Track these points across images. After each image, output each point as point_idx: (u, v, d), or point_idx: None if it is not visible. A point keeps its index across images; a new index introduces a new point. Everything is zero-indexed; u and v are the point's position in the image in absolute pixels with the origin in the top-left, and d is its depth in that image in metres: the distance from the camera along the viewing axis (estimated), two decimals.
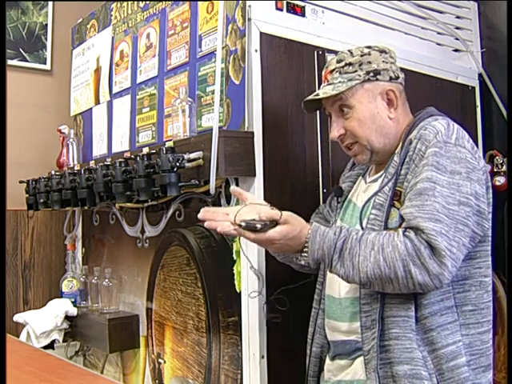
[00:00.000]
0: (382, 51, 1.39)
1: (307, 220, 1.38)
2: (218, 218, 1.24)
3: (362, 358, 1.32)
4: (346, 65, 1.37)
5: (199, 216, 1.26)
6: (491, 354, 1.32)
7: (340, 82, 1.35)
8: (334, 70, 1.38)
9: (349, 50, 1.39)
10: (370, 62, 1.36)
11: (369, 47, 1.39)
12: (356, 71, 1.36)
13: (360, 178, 1.51)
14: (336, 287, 1.40)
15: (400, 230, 1.20)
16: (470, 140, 1.30)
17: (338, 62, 1.38)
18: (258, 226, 1.18)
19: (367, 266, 1.18)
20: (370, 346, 1.27)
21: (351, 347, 1.35)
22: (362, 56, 1.37)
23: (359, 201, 1.44)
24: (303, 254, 1.25)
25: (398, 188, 1.28)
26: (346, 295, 1.37)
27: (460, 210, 1.19)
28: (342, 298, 1.38)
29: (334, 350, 1.42)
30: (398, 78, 1.40)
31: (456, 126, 1.30)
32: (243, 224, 1.19)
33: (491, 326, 1.33)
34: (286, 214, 1.22)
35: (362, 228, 1.32)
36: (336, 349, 1.41)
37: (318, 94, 1.39)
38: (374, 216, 1.29)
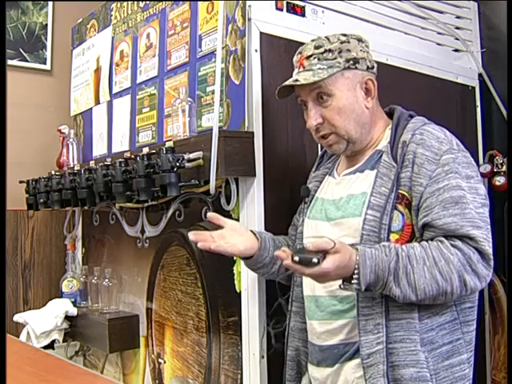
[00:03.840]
0: (359, 40, 1.37)
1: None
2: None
3: (350, 362, 1.30)
4: (325, 51, 1.33)
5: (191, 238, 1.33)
6: None
7: (320, 68, 1.32)
8: (311, 55, 1.34)
9: (326, 37, 1.35)
10: (349, 50, 1.34)
11: (345, 35, 1.36)
12: (336, 58, 1.32)
13: (327, 176, 1.50)
14: (317, 285, 1.36)
15: (445, 240, 1.20)
16: None
17: (317, 47, 1.34)
18: (315, 259, 1.11)
19: (424, 282, 1.17)
20: (372, 350, 1.24)
21: (339, 351, 1.32)
22: (341, 43, 1.34)
23: (329, 194, 1.42)
24: (353, 281, 1.17)
25: (401, 191, 1.26)
26: (331, 293, 1.33)
27: (485, 212, 1.24)
28: (325, 295, 1.34)
29: (319, 354, 1.37)
30: (373, 67, 1.39)
31: (446, 130, 1.34)
32: (296, 258, 1.12)
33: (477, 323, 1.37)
34: (338, 242, 1.16)
35: (330, 220, 1.35)
36: (323, 354, 1.36)
37: (297, 80, 1.33)
38: (372, 217, 1.26)
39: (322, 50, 1.33)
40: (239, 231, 1.43)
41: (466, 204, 1.21)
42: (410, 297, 1.19)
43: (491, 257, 1.20)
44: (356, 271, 1.17)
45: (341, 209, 1.35)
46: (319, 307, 1.37)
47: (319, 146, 1.78)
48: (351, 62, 1.33)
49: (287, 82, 1.37)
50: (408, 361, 1.22)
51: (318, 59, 1.33)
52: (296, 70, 1.38)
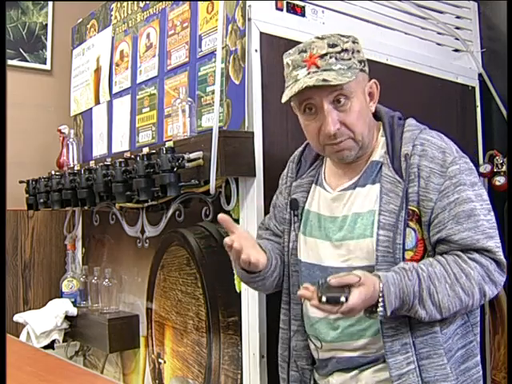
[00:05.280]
0: (357, 41, 1.30)
1: None
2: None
3: (370, 369, 1.27)
4: (342, 50, 1.23)
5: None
6: None
7: (341, 68, 1.22)
8: (326, 54, 1.23)
9: (337, 35, 1.26)
10: (358, 51, 1.27)
11: (348, 36, 1.27)
12: (351, 59, 1.24)
13: (313, 185, 1.41)
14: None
15: (463, 255, 1.21)
16: None
17: (332, 46, 1.23)
18: (343, 298, 1.09)
19: (448, 300, 1.18)
20: (403, 371, 1.21)
21: (358, 362, 1.29)
22: (353, 43, 1.26)
23: (326, 210, 1.35)
24: (379, 309, 1.14)
25: (411, 207, 1.23)
26: (338, 315, 1.23)
27: (492, 218, 1.25)
28: (335, 318, 1.28)
29: (333, 366, 1.33)
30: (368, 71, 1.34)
31: (443, 135, 1.32)
32: (324, 299, 1.09)
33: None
34: (362, 274, 1.14)
35: (334, 241, 1.29)
36: (337, 365, 1.32)
37: (325, 80, 1.19)
38: (385, 238, 1.22)
39: (338, 49, 1.23)
40: (250, 241, 1.34)
41: (477, 216, 1.22)
42: (436, 316, 1.19)
43: (505, 264, 1.23)
44: (381, 299, 1.14)
45: (346, 229, 1.29)
46: (334, 329, 1.30)
47: None
48: (362, 63, 1.27)
49: (310, 83, 1.20)
50: (438, 376, 1.22)
51: (336, 59, 1.22)
52: (304, 70, 1.23)
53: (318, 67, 1.22)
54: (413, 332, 1.22)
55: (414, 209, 1.23)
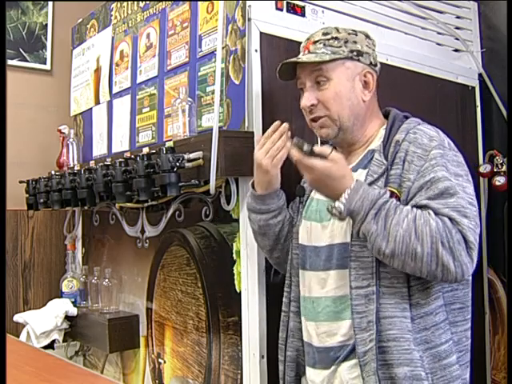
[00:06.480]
0: (367, 36, 1.41)
1: None
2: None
3: (345, 363, 1.30)
4: (332, 38, 1.36)
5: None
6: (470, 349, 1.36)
7: (323, 52, 1.35)
8: (318, 40, 1.37)
9: (335, 27, 1.39)
10: (355, 42, 1.37)
11: (354, 30, 1.39)
12: (341, 47, 1.35)
13: None
14: (313, 287, 1.38)
15: (431, 211, 1.19)
16: None
17: (324, 34, 1.37)
18: (305, 147, 1.22)
19: (398, 230, 1.17)
20: (366, 348, 1.25)
21: (335, 354, 1.33)
22: (349, 34, 1.37)
23: None
24: (338, 202, 1.21)
25: (390, 188, 1.27)
26: (325, 294, 1.35)
27: (472, 209, 1.22)
28: (320, 297, 1.36)
29: (314, 356, 1.38)
30: (376, 65, 1.41)
31: (440, 131, 1.34)
32: (295, 140, 1.24)
33: (471, 323, 1.37)
34: (338, 156, 1.24)
35: (324, 222, 1.36)
36: (319, 355, 1.37)
37: (299, 58, 1.37)
38: None
39: (329, 36, 1.36)
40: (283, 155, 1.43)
41: (452, 194, 1.20)
42: (382, 240, 1.18)
43: (473, 246, 1.18)
44: (346, 193, 1.21)
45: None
46: (315, 308, 1.37)
47: (319, 145, 1.78)
48: (355, 53, 1.36)
49: (289, 60, 1.38)
50: (402, 359, 1.23)
51: (324, 45, 1.36)
52: (301, 53, 1.40)
53: (309, 51, 1.38)
54: (381, 311, 1.24)
55: (393, 190, 1.27)
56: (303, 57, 1.37)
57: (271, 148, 1.39)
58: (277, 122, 1.40)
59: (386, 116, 1.44)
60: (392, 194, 1.26)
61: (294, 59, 1.38)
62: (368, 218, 1.20)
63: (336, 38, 1.36)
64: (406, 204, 1.25)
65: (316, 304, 1.37)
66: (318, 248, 1.38)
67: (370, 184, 1.29)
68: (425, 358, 1.24)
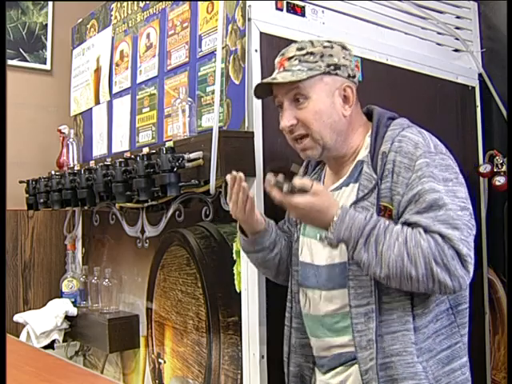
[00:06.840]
0: (343, 47, 1.35)
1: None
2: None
3: (357, 366, 1.29)
4: (307, 53, 1.31)
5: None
6: None
7: (299, 69, 1.30)
8: (293, 57, 1.32)
9: (310, 40, 1.34)
10: (331, 55, 1.32)
11: (329, 41, 1.34)
12: (317, 62, 1.31)
13: None
14: (315, 304, 1.37)
15: (422, 230, 1.17)
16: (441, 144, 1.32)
17: (299, 49, 1.32)
18: (285, 188, 1.20)
19: (390, 256, 1.16)
20: (367, 367, 1.24)
21: (348, 358, 1.32)
22: (324, 48, 1.32)
23: None
24: (328, 234, 1.20)
25: (382, 203, 1.25)
26: (326, 312, 1.34)
27: (464, 215, 1.20)
28: (323, 315, 1.35)
29: (328, 364, 1.37)
30: (354, 76, 1.37)
31: (425, 132, 1.31)
32: (273, 181, 1.22)
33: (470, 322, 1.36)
34: (318, 188, 1.21)
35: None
36: (331, 363, 1.36)
37: (275, 78, 1.32)
38: None
39: (303, 52, 1.32)
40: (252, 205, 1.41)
41: (441, 206, 1.18)
42: (375, 267, 1.17)
43: (467, 259, 1.16)
44: (334, 223, 1.20)
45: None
46: (324, 326, 1.36)
47: None
48: (332, 67, 1.32)
49: (264, 80, 1.36)
50: (406, 374, 1.21)
51: (299, 61, 1.31)
52: (276, 71, 1.36)
53: (284, 68, 1.33)
54: (382, 327, 1.23)
55: (386, 205, 1.25)
56: (278, 76, 1.32)
57: (238, 200, 1.36)
58: (233, 173, 1.34)
59: (369, 115, 1.40)
60: (385, 209, 1.24)
61: (269, 79, 1.34)
62: (358, 247, 1.19)
63: (311, 53, 1.31)
64: (399, 218, 1.23)
65: (324, 321, 1.35)
66: (319, 267, 1.36)
67: (363, 197, 1.27)
68: (428, 368, 1.23)
